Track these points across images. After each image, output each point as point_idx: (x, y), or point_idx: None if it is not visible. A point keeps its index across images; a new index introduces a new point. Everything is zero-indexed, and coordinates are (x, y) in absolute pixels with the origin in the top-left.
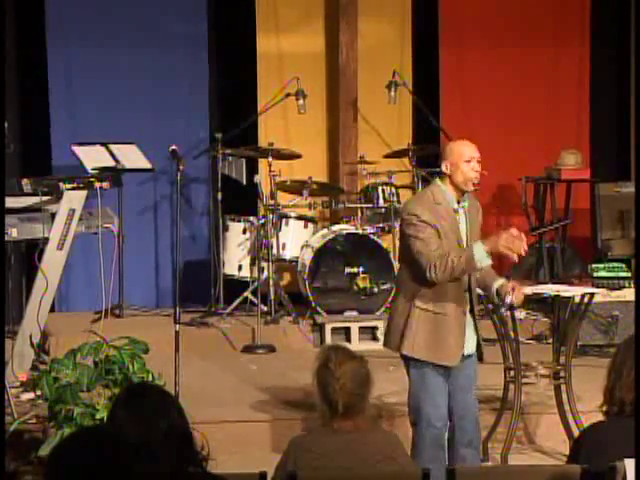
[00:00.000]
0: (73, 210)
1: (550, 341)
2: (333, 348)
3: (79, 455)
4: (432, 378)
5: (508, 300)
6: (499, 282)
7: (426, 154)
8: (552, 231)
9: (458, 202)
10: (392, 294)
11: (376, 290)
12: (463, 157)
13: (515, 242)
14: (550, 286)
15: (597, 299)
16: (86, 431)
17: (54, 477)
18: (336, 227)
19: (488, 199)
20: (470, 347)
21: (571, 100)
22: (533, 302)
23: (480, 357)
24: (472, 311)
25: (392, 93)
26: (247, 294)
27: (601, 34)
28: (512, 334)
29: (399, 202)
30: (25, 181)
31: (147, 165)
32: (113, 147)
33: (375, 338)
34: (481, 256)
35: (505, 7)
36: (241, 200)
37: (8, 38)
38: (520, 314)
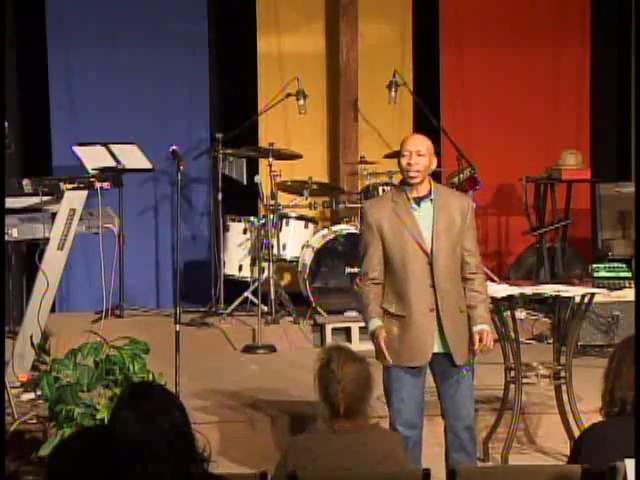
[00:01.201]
0: (74, 210)
1: (550, 341)
2: (335, 349)
3: (79, 455)
4: (397, 382)
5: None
6: (474, 329)
7: None
8: (552, 231)
9: (420, 198)
10: None
11: None
12: (401, 150)
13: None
14: (550, 286)
15: (598, 299)
16: (85, 432)
17: (54, 478)
18: (337, 227)
19: (489, 199)
20: (441, 345)
21: (571, 100)
22: (533, 302)
23: (452, 363)
24: (438, 309)
25: (392, 93)
26: (247, 294)
27: (601, 34)
28: (512, 334)
29: None
30: (26, 181)
31: (148, 165)
32: (114, 147)
33: None
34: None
35: (505, 7)
36: (241, 200)
37: (8, 38)
38: (521, 314)
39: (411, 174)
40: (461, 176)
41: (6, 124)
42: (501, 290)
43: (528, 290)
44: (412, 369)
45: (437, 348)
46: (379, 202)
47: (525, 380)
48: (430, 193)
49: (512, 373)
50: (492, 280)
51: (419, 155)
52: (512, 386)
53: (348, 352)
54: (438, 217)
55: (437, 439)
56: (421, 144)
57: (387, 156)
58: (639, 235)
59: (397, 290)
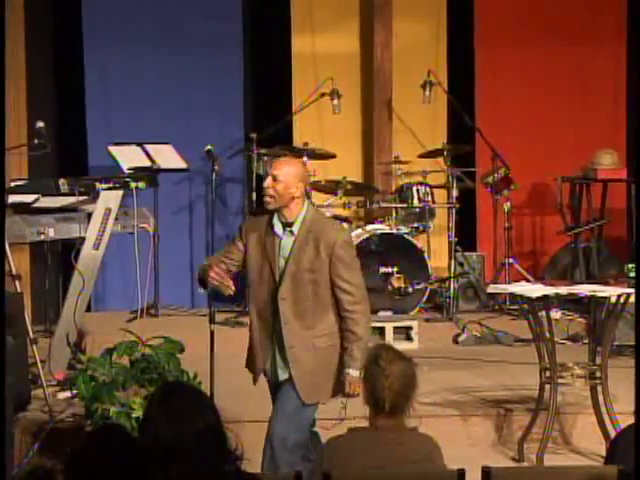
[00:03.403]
0: (109, 210)
1: (586, 341)
2: (384, 347)
3: (96, 455)
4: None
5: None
6: (344, 371)
7: (461, 154)
8: (588, 231)
9: (287, 225)
10: (426, 294)
11: (410, 290)
12: None
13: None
14: (586, 286)
15: (633, 299)
16: (103, 431)
17: (73, 477)
18: (370, 227)
19: (523, 199)
20: (279, 373)
21: (608, 99)
22: (569, 302)
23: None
24: (281, 341)
25: (427, 93)
26: None
27: (638, 30)
28: (548, 334)
29: (434, 202)
30: (62, 181)
31: (182, 165)
32: (149, 147)
33: (409, 338)
34: None
35: (539, 6)
36: None
37: (45, 39)
38: (556, 314)
39: (264, 198)
40: (495, 176)
41: (43, 124)
42: (536, 290)
43: (563, 290)
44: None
45: (281, 375)
46: (256, 221)
47: (560, 380)
48: (296, 221)
49: (547, 373)
50: (527, 280)
51: (274, 180)
52: (547, 386)
53: (396, 350)
54: (296, 248)
55: (471, 440)
56: (279, 169)
57: (421, 156)
58: (639, 235)
59: (253, 293)
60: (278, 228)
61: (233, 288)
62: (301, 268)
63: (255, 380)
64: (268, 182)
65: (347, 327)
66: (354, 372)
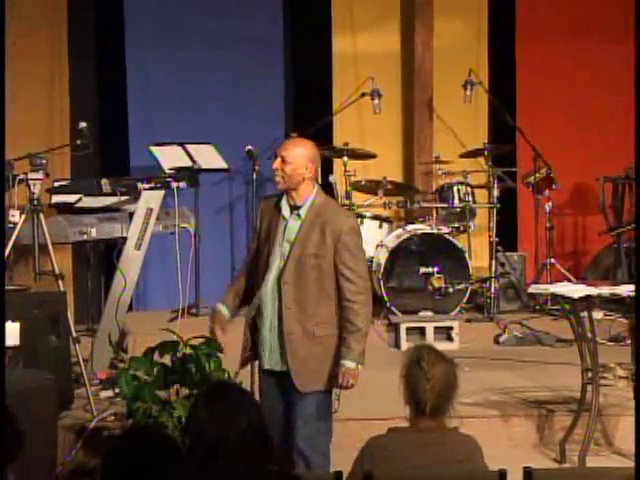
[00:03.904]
0: (151, 210)
1: (628, 342)
2: (426, 347)
3: (131, 455)
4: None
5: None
6: (340, 362)
7: (502, 153)
8: (630, 231)
9: (296, 207)
10: (467, 294)
11: (451, 290)
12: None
13: None
14: (628, 286)
15: None
16: (136, 432)
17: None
18: (411, 227)
19: (565, 199)
20: (272, 360)
21: None
22: (611, 303)
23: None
24: (281, 327)
25: (468, 92)
26: None
27: None
28: (589, 335)
29: (475, 202)
30: (104, 181)
31: (223, 165)
32: (190, 147)
33: (450, 338)
34: None
35: (582, 4)
36: None
37: (88, 40)
38: (598, 315)
39: (274, 179)
40: (537, 175)
41: (85, 125)
42: (578, 290)
43: (606, 290)
44: (267, 371)
45: (280, 367)
46: (268, 206)
47: (602, 381)
48: (304, 204)
49: (589, 374)
50: (569, 280)
51: (283, 161)
52: (589, 387)
53: (437, 351)
54: (302, 233)
55: (512, 440)
56: (288, 150)
57: (462, 155)
58: (639, 235)
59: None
60: (286, 210)
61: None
62: (306, 253)
63: (241, 365)
64: (277, 163)
65: (347, 317)
66: (350, 363)
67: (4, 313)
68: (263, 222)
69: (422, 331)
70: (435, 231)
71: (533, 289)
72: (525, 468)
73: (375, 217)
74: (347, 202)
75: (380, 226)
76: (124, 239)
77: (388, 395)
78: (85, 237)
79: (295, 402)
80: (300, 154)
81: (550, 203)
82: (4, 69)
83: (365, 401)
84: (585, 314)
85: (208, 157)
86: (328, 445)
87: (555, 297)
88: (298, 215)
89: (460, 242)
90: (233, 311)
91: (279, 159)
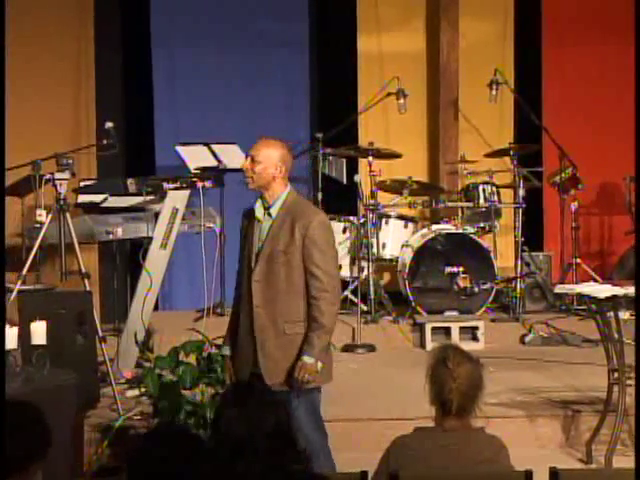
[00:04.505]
0: (176, 209)
1: None
2: (452, 347)
3: (155, 455)
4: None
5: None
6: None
7: (527, 153)
8: None
9: (268, 207)
10: (492, 294)
11: (476, 290)
12: None
13: None
14: None
15: None
16: (162, 431)
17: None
18: (436, 226)
19: (591, 199)
20: (251, 363)
21: None
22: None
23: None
24: (252, 328)
25: (493, 92)
26: (347, 293)
27: None
28: (616, 335)
29: (500, 201)
30: (130, 181)
31: None
32: (215, 147)
33: (475, 338)
34: None
35: (608, 4)
36: (341, 200)
37: (114, 40)
38: (624, 314)
39: (247, 180)
40: (563, 175)
41: (112, 125)
42: (604, 290)
43: (632, 290)
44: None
45: (254, 368)
46: (248, 211)
47: (629, 381)
48: (275, 203)
49: (616, 374)
50: (595, 280)
51: (253, 161)
52: (616, 387)
53: (463, 351)
54: (273, 230)
55: (538, 441)
56: (258, 150)
57: (487, 155)
58: (639, 235)
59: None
60: (259, 212)
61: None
62: (275, 250)
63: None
64: (246, 163)
65: (311, 314)
66: (308, 359)
67: (4, 313)
68: (244, 229)
69: (447, 331)
70: (460, 231)
71: (559, 289)
72: (551, 468)
73: (400, 217)
74: (372, 202)
75: (405, 226)
76: (150, 239)
77: (413, 395)
78: (111, 237)
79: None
80: (270, 154)
81: (576, 203)
82: (4, 69)
83: (389, 401)
84: (611, 314)
85: (233, 157)
86: (322, 443)
87: (581, 297)
88: (269, 214)
89: (485, 242)
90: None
91: (249, 159)
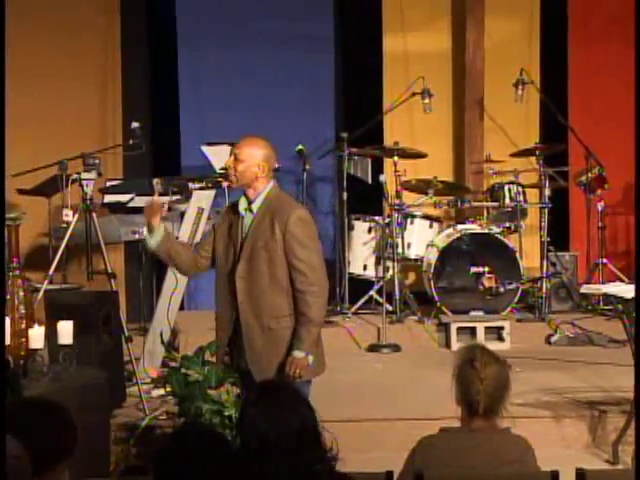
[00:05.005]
0: (202, 209)
1: None
2: (479, 347)
3: (181, 454)
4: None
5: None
6: (290, 353)
7: (554, 153)
8: None
9: (250, 204)
10: (518, 294)
11: (502, 290)
12: None
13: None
14: None
15: None
16: (187, 430)
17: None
18: (461, 226)
19: (618, 198)
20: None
21: None
22: None
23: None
24: (237, 328)
25: (519, 91)
26: (372, 293)
27: None
28: None
29: (526, 201)
30: (156, 181)
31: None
32: None
33: (501, 338)
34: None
35: (634, 2)
36: (366, 199)
37: (140, 41)
38: None
39: (231, 178)
40: (589, 175)
41: (138, 125)
42: (631, 290)
43: None
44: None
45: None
46: (228, 206)
47: None
48: (257, 200)
49: None
50: (621, 280)
51: (236, 159)
52: None
53: (490, 352)
54: (253, 226)
55: (564, 441)
56: (241, 148)
57: (513, 155)
58: (639, 236)
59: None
60: (242, 208)
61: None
62: (257, 246)
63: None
64: (230, 161)
65: (299, 308)
66: (298, 353)
67: (4, 313)
68: (223, 223)
69: (473, 331)
70: (486, 231)
71: (585, 289)
72: (578, 469)
73: (425, 217)
74: (397, 201)
75: (430, 226)
76: (176, 239)
77: (438, 395)
78: (137, 236)
79: None
80: (253, 153)
81: (602, 202)
82: (4, 69)
83: (415, 401)
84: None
85: None
86: None
87: (607, 297)
88: (250, 210)
89: (511, 242)
90: (164, 243)
91: (232, 157)
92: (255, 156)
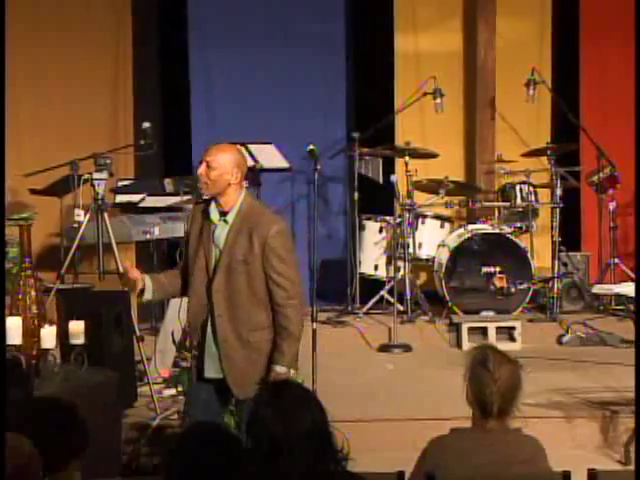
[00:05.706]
0: None
1: None
2: (491, 348)
3: (191, 454)
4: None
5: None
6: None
7: (565, 153)
8: None
9: (223, 214)
10: (529, 294)
11: (513, 290)
12: None
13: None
14: None
15: None
16: (198, 430)
17: (173, 475)
18: (472, 226)
19: (629, 198)
20: (213, 369)
21: None
22: None
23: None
24: (215, 333)
25: (531, 91)
26: (383, 293)
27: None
28: None
29: (537, 201)
30: (167, 181)
31: (285, 164)
32: (251, 147)
33: (512, 338)
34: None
35: None
36: (377, 199)
37: (152, 40)
38: None
39: (199, 185)
40: (601, 175)
41: (149, 125)
42: None
43: None
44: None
45: (213, 373)
46: (196, 213)
47: None
48: (231, 210)
49: None
50: (633, 280)
51: (208, 166)
52: None
53: (502, 352)
54: (230, 239)
55: (576, 441)
56: (213, 155)
57: (524, 155)
58: (639, 236)
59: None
60: (214, 215)
61: (138, 285)
62: (234, 260)
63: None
64: (201, 169)
65: (279, 322)
66: (280, 368)
67: (4, 312)
68: (193, 227)
69: (484, 331)
70: (497, 231)
71: (597, 289)
72: (589, 470)
73: (436, 217)
74: (408, 201)
75: (441, 226)
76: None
77: (449, 395)
78: (148, 236)
79: (235, 409)
80: (225, 159)
81: (614, 202)
82: (4, 69)
83: (426, 401)
84: None
85: (269, 156)
86: None
87: (619, 297)
88: (225, 221)
89: (522, 242)
90: (156, 292)
91: (204, 164)
92: (228, 163)
